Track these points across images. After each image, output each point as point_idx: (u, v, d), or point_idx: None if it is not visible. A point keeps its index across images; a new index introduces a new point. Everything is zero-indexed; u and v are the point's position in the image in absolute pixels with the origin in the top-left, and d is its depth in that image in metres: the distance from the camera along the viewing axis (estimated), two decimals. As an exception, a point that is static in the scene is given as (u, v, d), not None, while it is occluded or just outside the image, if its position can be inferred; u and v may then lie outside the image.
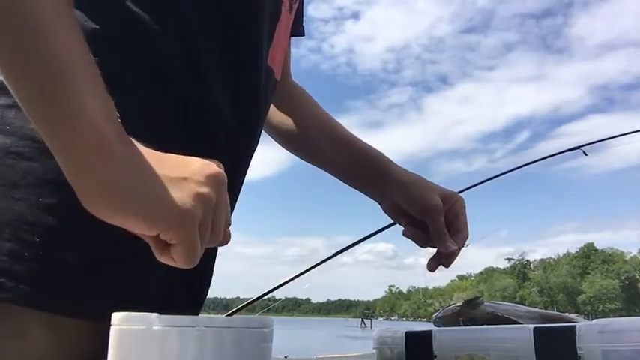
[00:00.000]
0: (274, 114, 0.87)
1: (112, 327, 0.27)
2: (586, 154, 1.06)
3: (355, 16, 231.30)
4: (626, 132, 1.28)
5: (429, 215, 0.76)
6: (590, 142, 1.11)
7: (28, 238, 0.44)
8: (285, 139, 0.89)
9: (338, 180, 0.87)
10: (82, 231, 0.46)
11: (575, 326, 0.57)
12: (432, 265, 0.76)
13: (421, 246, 0.79)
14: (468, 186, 1.48)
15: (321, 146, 0.86)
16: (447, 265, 0.75)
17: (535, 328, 0.61)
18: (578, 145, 1.09)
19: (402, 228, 0.82)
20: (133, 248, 0.49)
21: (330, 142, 0.86)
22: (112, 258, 0.48)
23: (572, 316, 0.82)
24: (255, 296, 1.43)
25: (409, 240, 0.80)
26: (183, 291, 0.60)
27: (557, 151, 1.09)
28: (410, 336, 0.81)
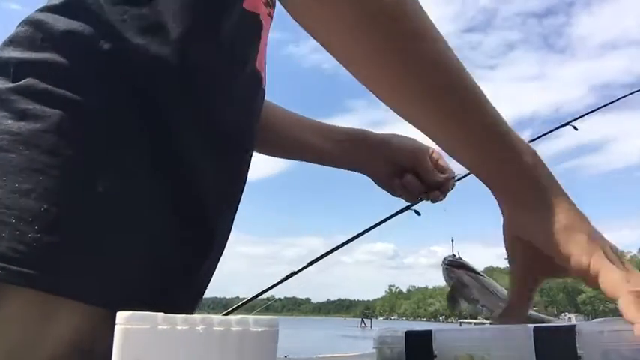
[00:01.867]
0: None
1: (116, 326, 0.27)
2: (576, 129, 1.10)
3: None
4: (613, 99, 1.32)
5: (421, 156, 0.85)
6: (578, 116, 1.13)
7: (5, 220, 0.45)
8: (267, 144, 0.86)
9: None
10: (60, 213, 0.47)
11: (575, 326, 0.57)
12: (434, 196, 0.85)
13: (417, 196, 0.86)
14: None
15: (308, 141, 0.88)
16: (444, 193, 0.86)
17: (535, 327, 0.61)
18: (569, 120, 1.11)
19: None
20: (114, 233, 0.50)
21: (315, 134, 0.88)
22: (90, 238, 0.49)
23: (572, 315, 0.82)
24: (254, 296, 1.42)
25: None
26: (177, 281, 0.58)
27: (548, 130, 1.11)
28: (410, 336, 0.81)
